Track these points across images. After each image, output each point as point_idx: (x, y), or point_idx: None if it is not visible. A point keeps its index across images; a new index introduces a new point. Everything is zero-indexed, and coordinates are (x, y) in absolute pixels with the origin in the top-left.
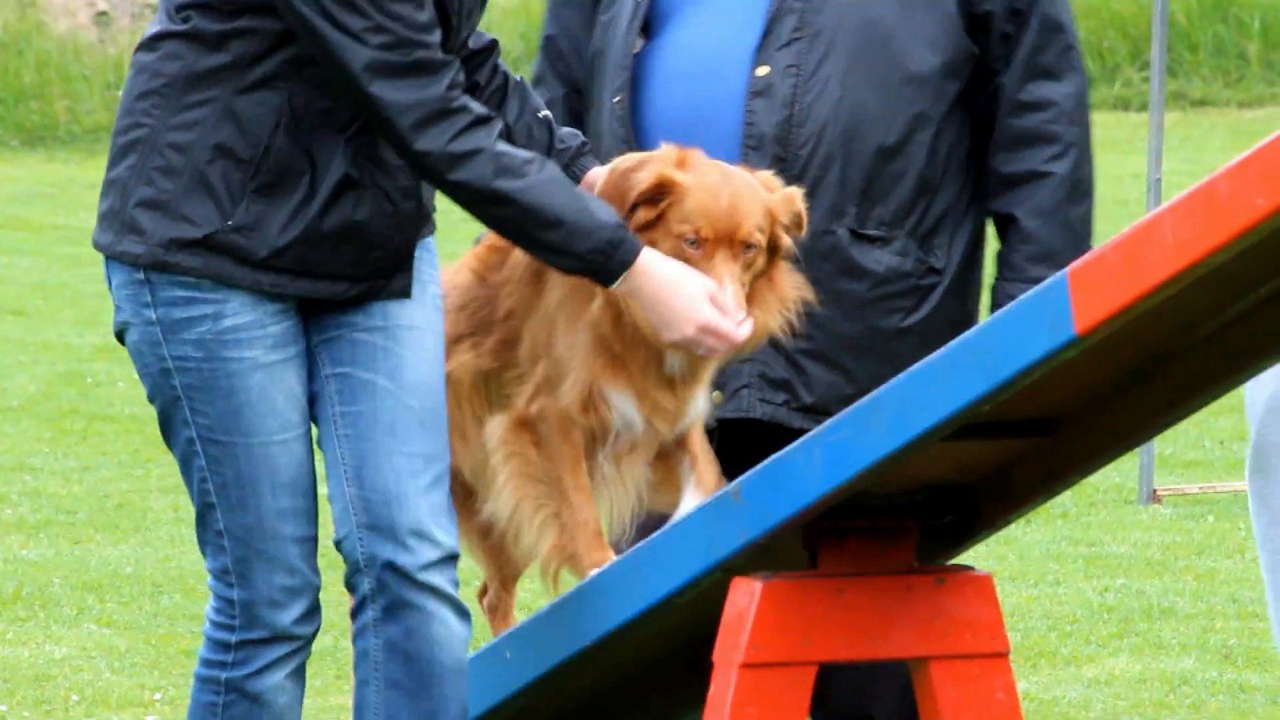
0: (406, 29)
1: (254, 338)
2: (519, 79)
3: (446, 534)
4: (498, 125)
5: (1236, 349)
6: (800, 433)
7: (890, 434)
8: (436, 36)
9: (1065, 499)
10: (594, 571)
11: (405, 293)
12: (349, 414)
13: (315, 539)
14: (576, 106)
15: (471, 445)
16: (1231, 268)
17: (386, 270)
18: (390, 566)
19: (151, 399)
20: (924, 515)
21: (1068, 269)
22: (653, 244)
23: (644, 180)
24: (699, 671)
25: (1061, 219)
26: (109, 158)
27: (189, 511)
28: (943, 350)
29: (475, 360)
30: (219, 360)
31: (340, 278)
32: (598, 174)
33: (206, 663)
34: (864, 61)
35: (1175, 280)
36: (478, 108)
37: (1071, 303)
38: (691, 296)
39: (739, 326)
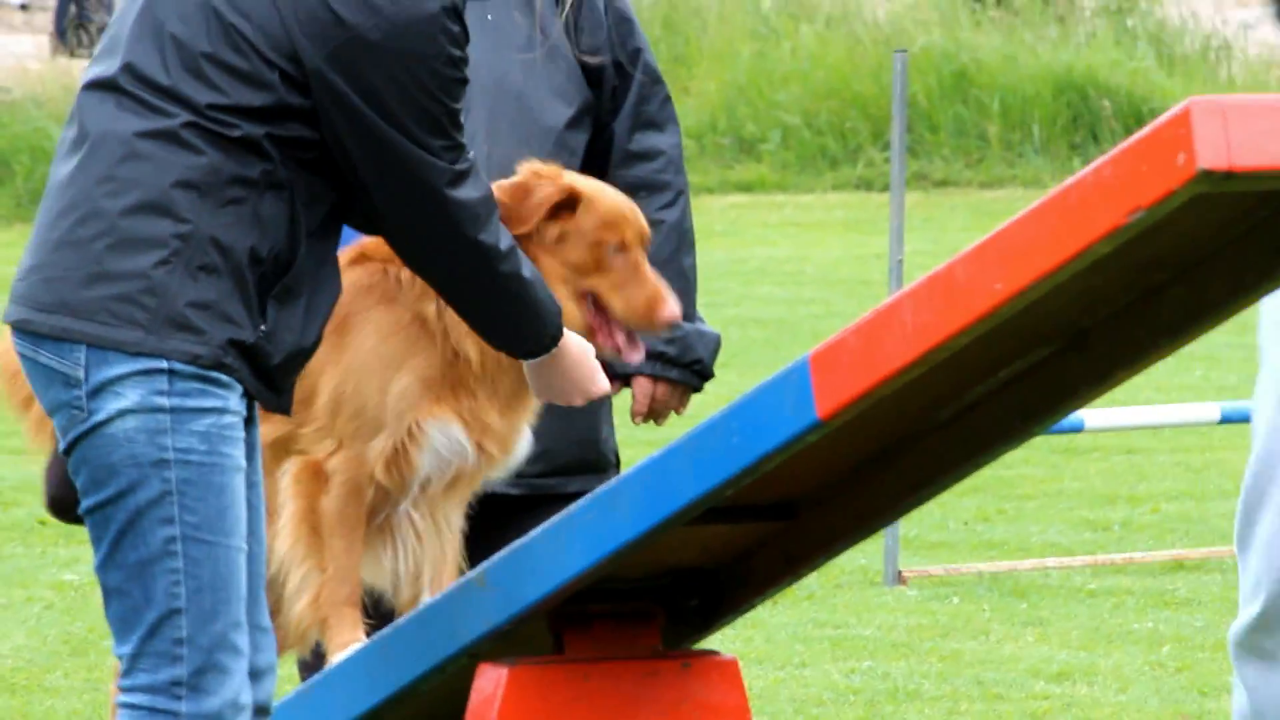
0: (461, 136)
1: (239, 437)
2: None
3: (272, 704)
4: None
5: (978, 432)
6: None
7: (635, 518)
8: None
9: (811, 581)
10: (339, 655)
11: (289, 408)
12: None
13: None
14: None
15: (279, 478)
16: (971, 352)
17: (294, 383)
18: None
19: (118, 495)
20: (669, 599)
21: (809, 353)
22: (565, 256)
23: (550, 194)
24: None
25: (675, 267)
26: (94, 241)
27: None
28: (687, 434)
29: (269, 429)
30: (218, 455)
31: (281, 391)
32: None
33: None
34: (504, 119)
35: (915, 365)
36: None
37: (813, 386)
38: (592, 369)
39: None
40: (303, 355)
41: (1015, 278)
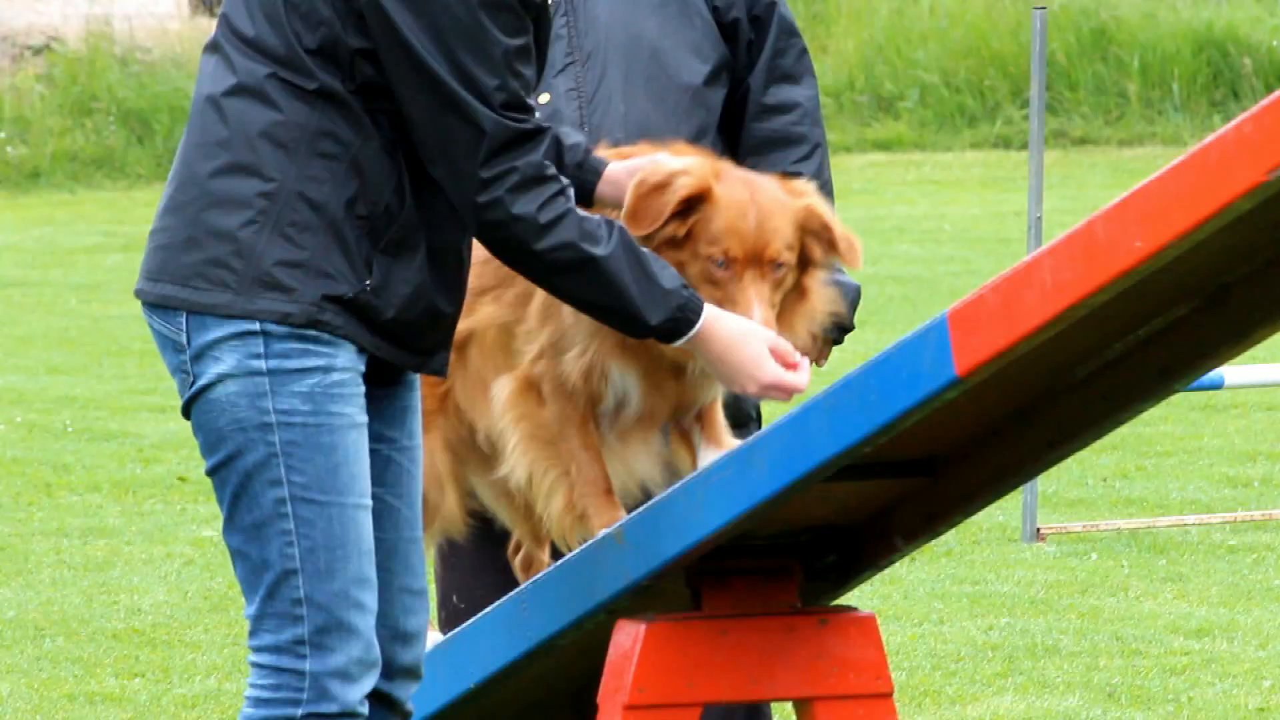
0: (523, 89)
1: (354, 394)
2: None
3: (422, 666)
4: (571, 190)
5: (1117, 390)
6: None
7: (772, 475)
8: (537, 99)
9: (949, 538)
10: (603, 531)
11: (443, 370)
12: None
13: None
14: None
15: (493, 402)
16: (1111, 309)
17: (444, 344)
18: (378, 695)
19: (228, 459)
20: (807, 556)
21: (947, 310)
22: (680, 264)
23: (677, 194)
24: (582, 714)
25: None
26: (188, 206)
27: (71, 555)
28: (824, 391)
29: (497, 312)
30: (325, 414)
31: (418, 350)
32: (617, 172)
33: None
34: (639, 76)
35: (1054, 322)
36: (559, 174)
37: (952, 344)
38: (754, 355)
39: (800, 375)
40: (434, 311)
41: (1155, 235)
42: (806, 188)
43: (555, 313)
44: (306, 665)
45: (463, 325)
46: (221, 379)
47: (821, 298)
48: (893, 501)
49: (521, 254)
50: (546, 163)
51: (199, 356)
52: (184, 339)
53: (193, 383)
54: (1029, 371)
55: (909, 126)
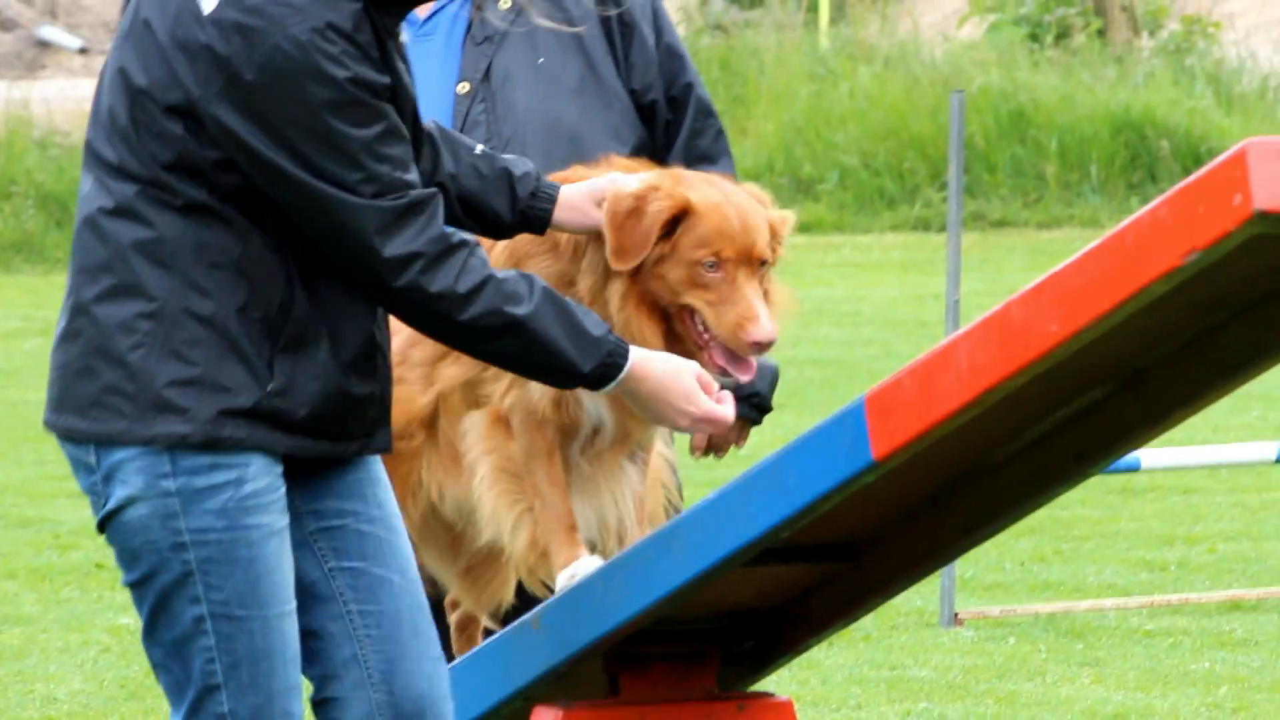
0: (393, 169)
1: (270, 502)
2: (432, 122)
3: None
4: (481, 249)
5: (1034, 473)
6: None
7: (690, 560)
8: (416, 171)
9: (867, 622)
10: (563, 574)
11: (388, 447)
12: (370, 613)
13: None
14: None
15: (464, 471)
16: (1028, 392)
17: (380, 422)
18: None
19: (144, 578)
20: (725, 641)
21: (865, 394)
22: (662, 275)
23: (659, 218)
24: None
25: None
26: (79, 334)
27: None
28: (741, 475)
29: (459, 371)
30: (240, 529)
31: (348, 437)
32: (573, 196)
33: None
34: (559, 162)
35: (971, 406)
36: (467, 235)
37: (869, 428)
38: (687, 390)
39: (728, 406)
40: (351, 398)
41: (1072, 319)
42: (765, 196)
43: None
44: None
45: (426, 398)
46: (131, 501)
47: (785, 294)
48: (811, 586)
49: (447, 328)
50: (447, 231)
51: (108, 479)
52: (93, 461)
53: (104, 504)
54: (946, 455)
55: (828, 209)
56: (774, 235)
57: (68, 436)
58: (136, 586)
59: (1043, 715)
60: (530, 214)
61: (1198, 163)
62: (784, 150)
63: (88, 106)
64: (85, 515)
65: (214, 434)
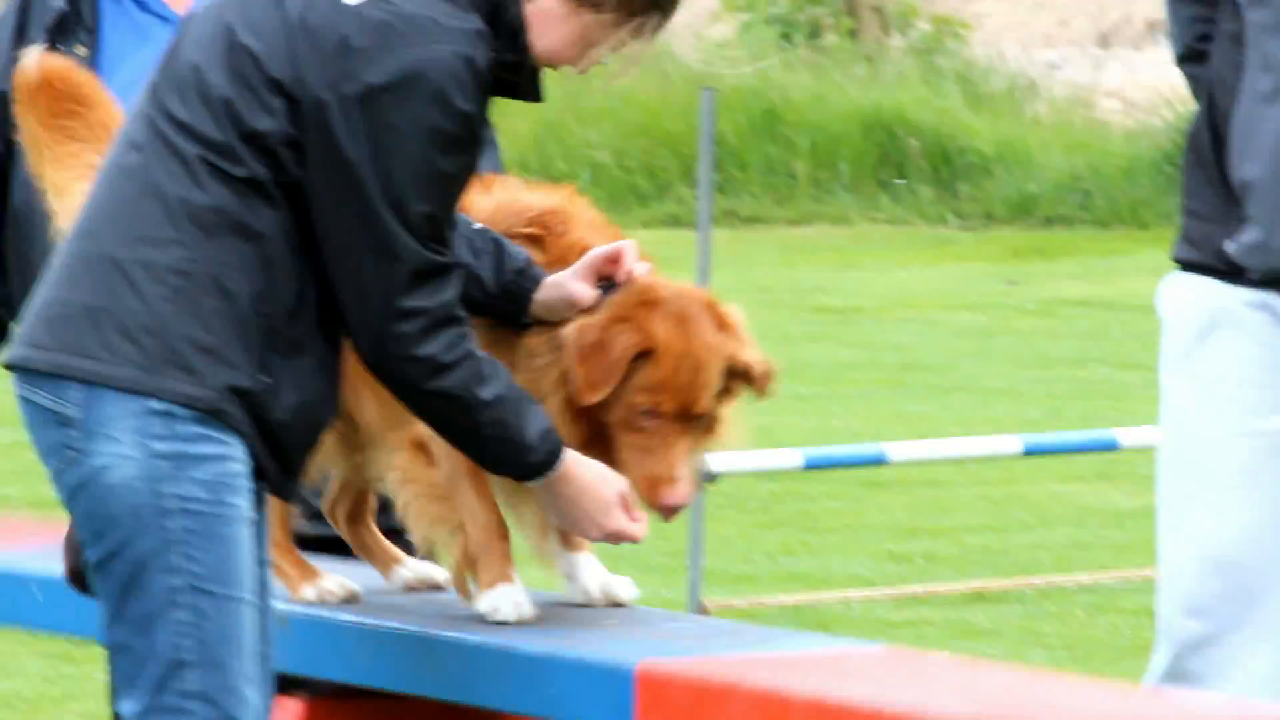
0: (448, 221)
1: (247, 488)
2: None
3: None
4: (472, 331)
5: None
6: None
7: (449, 686)
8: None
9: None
10: (488, 594)
11: (293, 498)
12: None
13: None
14: None
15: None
16: None
17: (302, 470)
18: None
19: (120, 546)
20: None
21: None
22: (605, 404)
23: (625, 356)
24: None
25: None
26: (92, 273)
27: None
28: (541, 650)
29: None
30: (223, 505)
31: (287, 465)
32: (561, 280)
33: None
34: None
35: None
36: (463, 312)
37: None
38: (607, 502)
39: (642, 526)
40: (317, 422)
41: None
42: (736, 319)
43: None
44: None
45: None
46: (119, 461)
47: (729, 426)
48: None
49: (412, 389)
50: (456, 303)
51: (92, 434)
52: (75, 413)
53: (82, 461)
54: None
55: None
56: (731, 371)
57: (56, 373)
58: (106, 561)
59: None
60: (513, 289)
61: (947, 161)
62: (536, 147)
63: None
64: None
65: (219, 405)
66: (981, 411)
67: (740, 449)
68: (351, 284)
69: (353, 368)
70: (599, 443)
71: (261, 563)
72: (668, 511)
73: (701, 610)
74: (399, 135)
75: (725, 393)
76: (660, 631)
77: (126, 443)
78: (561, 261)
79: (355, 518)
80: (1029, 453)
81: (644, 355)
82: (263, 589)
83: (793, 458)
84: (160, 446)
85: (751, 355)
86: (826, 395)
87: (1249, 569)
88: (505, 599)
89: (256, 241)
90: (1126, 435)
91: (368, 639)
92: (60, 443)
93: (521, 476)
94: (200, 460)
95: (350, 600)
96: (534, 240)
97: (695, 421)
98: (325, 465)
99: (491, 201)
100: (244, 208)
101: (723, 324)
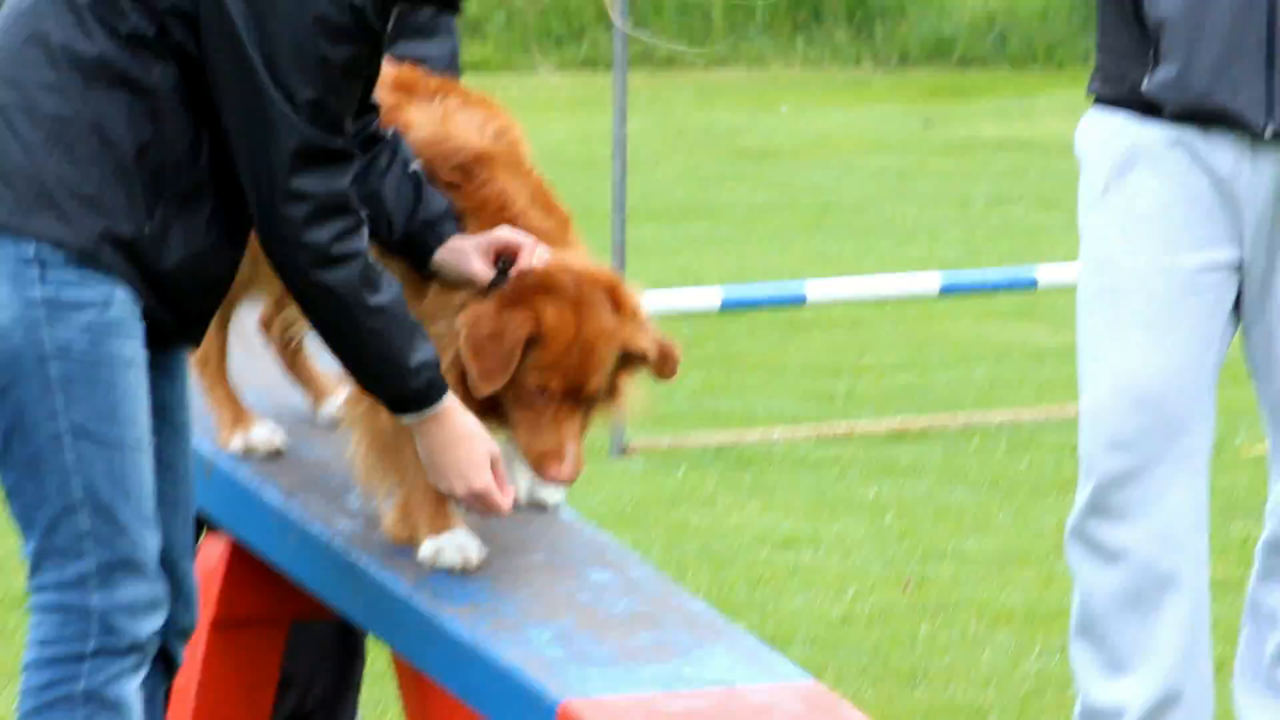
0: (341, 108)
1: (132, 334)
2: (394, 130)
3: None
4: (366, 229)
5: None
6: None
7: (366, 612)
8: (352, 128)
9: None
10: (430, 543)
11: (197, 341)
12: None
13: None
14: None
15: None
16: None
17: (207, 315)
18: (172, 623)
19: (1, 392)
20: None
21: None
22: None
23: (517, 345)
24: None
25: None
26: None
27: None
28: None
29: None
30: (104, 350)
31: (182, 313)
32: (465, 241)
33: (52, 684)
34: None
35: None
36: (363, 212)
37: None
38: (476, 458)
39: (505, 498)
40: (209, 277)
41: None
42: (635, 299)
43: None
44: (94, 601)
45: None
46: None
47: (629, 398)
48: None
49: (299, 277)
50: (349, 193)
51: None
52: None
53: None
54: None
55: (496, 49)
56: (626, 352)
57: None
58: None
59: (713, 543)
60: (417, 240)
61: (862, 3)
62: None
63: None
64: None
65: (93, 250)
66: (900, 251)
67: (658, 289)
68: (244, 159)
69: None
70: (492, 415)
71: (176, 405)
72: (557, 485)
73: (625, 451)
74: (283, 17)
75: (625, 369)
76: (586, 612)
77: (2, 290)
78: (480, 210)
79: (287, 339)
80: (947, 291)
81: (535, 338)
82: (176, 429)
83: (711, 297)
84: (35, 293)
85: (646, 340)
86: (744, 237)
87: (1169, 403)
88: (450, 543)
89: (144, 95)
90: (1045, 273)
91: (292, 530)
92: None
93: (397, 404)
94: (78, 306)
95: (275, 455)
96: (454, 186)
97: (587, 400)
98: (260, 286)
99: (426, 133)
100: (133, 62)
101: (620, 307)
